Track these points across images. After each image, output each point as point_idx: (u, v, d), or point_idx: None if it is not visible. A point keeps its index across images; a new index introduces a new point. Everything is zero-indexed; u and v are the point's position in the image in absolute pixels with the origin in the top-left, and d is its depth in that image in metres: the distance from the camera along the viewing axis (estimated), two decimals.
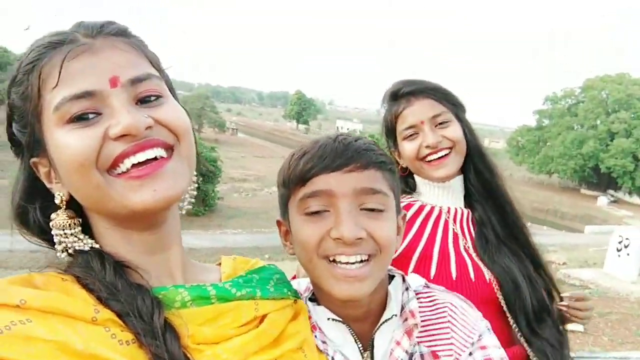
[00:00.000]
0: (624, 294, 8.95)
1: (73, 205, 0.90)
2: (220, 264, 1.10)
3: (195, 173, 1.00)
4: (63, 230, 0.88)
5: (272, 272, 1.12)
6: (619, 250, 10.22)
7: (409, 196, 1.92)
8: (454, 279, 1.69)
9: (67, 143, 0.81)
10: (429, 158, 1.80)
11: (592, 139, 48.71)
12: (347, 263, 1.06)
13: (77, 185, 0.85)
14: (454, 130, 1.80)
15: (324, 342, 1.13)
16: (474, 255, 1.75)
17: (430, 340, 1.16)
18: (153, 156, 0.84)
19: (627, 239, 10.17)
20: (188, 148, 0.90)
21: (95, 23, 0.88)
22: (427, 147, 1.77)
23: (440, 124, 1.80)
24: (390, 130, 1.90)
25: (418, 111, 1.80)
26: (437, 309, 1.20)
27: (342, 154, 1.08)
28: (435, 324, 1.18)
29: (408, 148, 1.83)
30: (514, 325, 1.69)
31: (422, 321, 1.16)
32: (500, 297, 1.69)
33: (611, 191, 50.30)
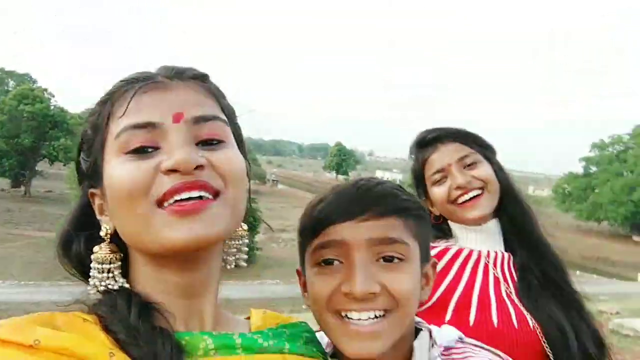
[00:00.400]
0: None
1: (116, 242, 0.89)
2: (249, 317, 1.05)
3: (245, 227, 0.98)
4: (102, 264, 0.88)
5: (303, 330, 1.06)
6: None
7: (445, 241, 1.83)
8: (496, 326, 1.57)
9: (120, 173, 0.82)
10: (460, 200, 1.74)
11: None
12: (359, 319, 0.99)
13: (122, 215, 0.84)
14: (484, 170, 1.76)
15: None
16: (516, 301, 1.65)
17: None
18: (196, 195, 0.82)
19: None
20: (235, 196, 0.87)
21: (176, 66, 0.91)
22: (458, 188, 1.73)
23: (469, 165, 1.76)
24: (419, 179, 1.86)
25: (444, 154, 1.77)
26: None
27: (360, 202, 1.01)
28: None
29: (437, 192, 1.79)
30: None
31: None
32: (546, 345, 1.57)
33: None
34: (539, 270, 1.73)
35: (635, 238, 49.38)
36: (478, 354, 1.13)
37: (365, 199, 1.01)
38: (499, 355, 1.16)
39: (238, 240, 0.99)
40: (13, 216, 35.82)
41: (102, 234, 0.89)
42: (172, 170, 0.80)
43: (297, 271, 1.16)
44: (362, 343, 0.98)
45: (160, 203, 0.81)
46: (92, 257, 0.89)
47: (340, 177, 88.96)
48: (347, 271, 0.99)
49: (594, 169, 53.50)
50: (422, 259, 1.07)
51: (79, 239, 0.92)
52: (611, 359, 1.70)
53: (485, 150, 1.83)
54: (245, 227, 0.99)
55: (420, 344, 1.09)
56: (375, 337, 0.98)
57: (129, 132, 0.82)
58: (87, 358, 0.73)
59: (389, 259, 1.01)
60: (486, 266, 1.73)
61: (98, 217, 0.91)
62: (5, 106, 41.27)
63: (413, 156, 1.90)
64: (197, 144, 0.85)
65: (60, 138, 43.31)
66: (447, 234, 1.86)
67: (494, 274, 1.71)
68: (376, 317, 0.99)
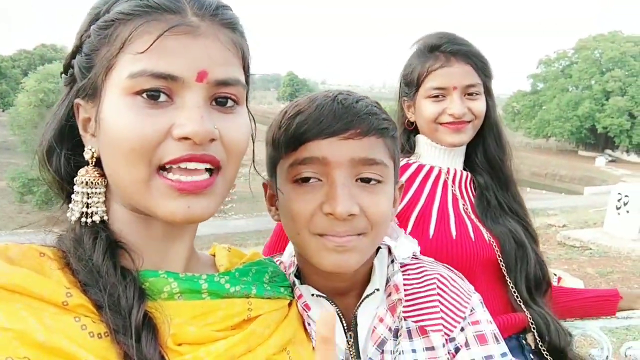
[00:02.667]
0: (624, 252, 8.93)
1: (99, 165, 0.84)
2: (214, 254, 1.03)
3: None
4: (87, 187, 0.82)
5: (267, 266, 1.05)
6: (618, 209, 10.19)
7: (407, 157, 1.85)
8: (454, 238, 1.65)
9: (126, 121, 0.75)
10: (447, 124, 1.74)
11: (587, 99, 48.68)
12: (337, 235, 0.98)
13: (117, 166, 0.78)
14: (481, 104, 1.75)
15: (308, 324, 1.05)
16: (473, 217, 1.73)
17: (418, 315, 1.07)
18: (202, 168, 0.79)
19: (626, 196, 10.14)
20: (233, 170, 0.85)
21: (209, 2, 0.81)
22: (451, 115, 1.70)
23: (470, 94, 1.73)
24: (414, 82, 1.78)
25: (455, 75, 1.71)
26: (425, 281, 1.11)
27: (341, 118, 0.97)
28: (424, 297, 1.09)
29: (430, 109, 1.74)
30: (513, 289, 1.67)
31: (410, 295, 1.09)
32: (500, 259, 1.67)
33: (609, 151, 50.37)
34: (500, 196, 1.80)
35: (581, 152, 51.80)
36: (433, 267, 1.16)
37: (347, 115, 0.98)
38: (451, 270, 1.18)
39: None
40: None
41: (86, 156, 0.83)
42: (184, 138, 0.76)
43: (264, 185, 1.12)
44: (339, 255, 0.98)
45: (161, 167, 0.77)
46: (77, 179, 0.83)
47: None
48: (327, 190, 0.97)
49: (541, 85, 54.82)
50: (395, 179, 1.08)
51: (59, 153, 0.85)
52: (550, 284, 1.80)
53: (489, 81, 1.80)
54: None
55: (380, 261, 1.11)
56: (352, 251, 0.98)
57: (146, 79, 0.75)
58: (41, 297, 0.70)
59: (366, 180, 0.99)
60: (445, 183, 1.78)
61: (81, 132, 0.84)
62: None
63: (417, 54, 1.79)
64: (211, 102, 0.80)
65: None
66: (410, 146, 1.89)
67: (452, 191, 1.78)
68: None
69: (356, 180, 0.99)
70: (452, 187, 1.78)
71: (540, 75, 55.09)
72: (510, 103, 56.44)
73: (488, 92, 1.79)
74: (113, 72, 0.77)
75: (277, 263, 1.14)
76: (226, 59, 0.81)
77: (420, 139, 1.85)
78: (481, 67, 1.74)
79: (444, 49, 1.72)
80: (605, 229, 10.36)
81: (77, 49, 0.83)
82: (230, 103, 0.82)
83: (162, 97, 0.76)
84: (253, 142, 0.93)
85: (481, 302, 1.14)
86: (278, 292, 1.00)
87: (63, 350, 0.67)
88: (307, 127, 0.98)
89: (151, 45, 0.74)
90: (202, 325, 0.82)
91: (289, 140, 1.00)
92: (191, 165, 0.78)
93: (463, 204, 1.76)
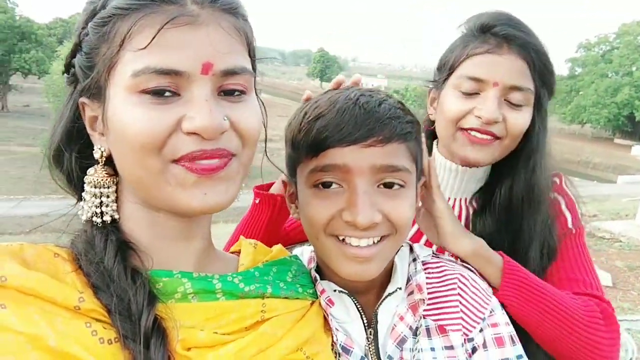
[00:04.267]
0: None
1: (110, 164, 0.83)
2: (240, 251, 1.02)
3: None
4: (97, 187, 0.82)
5: (291, 265, 1.03)
6: None
7: None
8: None
9: (134, 117, 0.73)
10: (472, 131, 1.34)
11: (626, 86, 47.07)
12: (357, 246, 0.98)
13: (131, 162, 0.77)
14: (522, 119, 1.33)
15: (331, 320, 1.05)
16: None
17: (438, 314, 1.07)
18: (215, 166, 0.77)
19: None
20: (249, 156, 0.84)
21: None
22: (478, 117, 1.32)
23: (513, 103, 1.33)
24: (447, 66, 1.41)
25: (501, 67, 1.30)
26: (446, 281, 1.10)
27: (363, 124, 0.95)
28: (444, 296, 1.08)
29: (454, 105, 1.36)
30: None
31: (430, 293, 1.07)
32: None
33: None
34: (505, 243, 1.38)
35: (617, 140, 50.36)
36: (453, 266, 1.15)
37: (370, 121, 0.95)
38: (472, 270, 1.17)
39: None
40: None
41: (96, 155, 0.82)
42: (194, 133, 0.74)
43: (284, 182, 1.14)
44: (358, 266, 0.98)
45: (174, 161, 0.76)
46: (86, 179, 0.83)
47: (325, 84, 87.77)
48: (348, 198, 0.97)
49: (579, 70, 53.21)
50: (417, 180, 1.07)
51: (70, 154, 0.84)
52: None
53: (545, 92, 1.37)
54: None
55: (401, 260, 1.11)
56: (372, 260, 0.98)
57: (150, 76, 0.72)
58: (54, 301, 0.70)
59: (389, 185, 0.98)
60: None
61: (89, 131, 0.83)
62: None
63: (463, 33, 1.42)
64: (218, 93, 0.78)
65: (30, 50, 41.64)
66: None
67: None
68: (374, 243, 0.99)
69: (378, 186, 0.98)
70: None
71: (579, 59, 53.46)
72: None
73: (539, 106, 1.36)
74: (116, 70, 0.75)
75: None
76: (230, 47, 0.78)
77: (436, 150, 1.50)
78: (540, 70, 1.33)
79: (498, 30, 1.32)
80: (637, 221, 10.08)
81: (77, 48, 0.81)
82: (237, 93, 0.80)
83: (168, 94, 0.74)
84: (265, 128, 0.92)
85: (500, 304, 1.13)
86: (296, 292, 0.98)
87: (73, 356, 0.67)
88: (328, 134, 0.96)
89: (152, 40, 0.72)
90: (214, 328, 0.81)
91: (310, 145, 0.98)
92: (204, 163, 0.76)
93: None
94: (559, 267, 1.38)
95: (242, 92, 0.80)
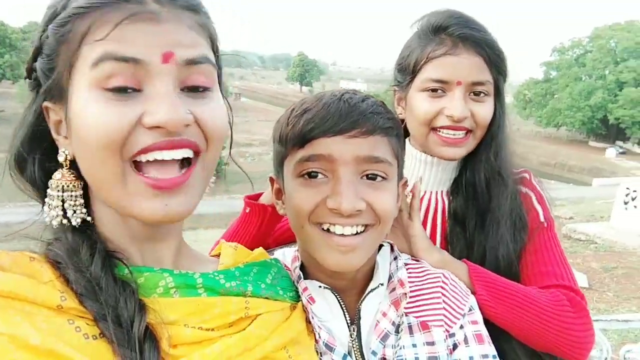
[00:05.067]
0: (630, 247, 8.78)
1: (75, 167, 0.81)
2: (219, 254, 1.02)
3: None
4: (62, 192, 0.80)
5: (271, 267, 1.05)
6: (626, 203, 10.08)
7: None
8: None
9: (95, 114, 0.72)
10: (443, 132, 1.41)
11: (600, 89, 48.13)
12: (342, 234, 1.01)
13: (91, 163, 0.76)
14: (487, 110, 1.41)
15: (312, 318, 1.07)
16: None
17: (420, 311, 1.10)
18: (180, 157, 0.76)
19: (634, 191, 10.02)
20: (214, 155, 0.82)
21: None
22: (449, 116, 1.38)
23: (476, 94, 1.40)
24: (409, 69, 1.45)
25: (460, 66, 1.37)
26: (428, 279, 1.16)
27: (347, 117, 1.00)
28: (426, 294, 1.13)
29: (423, 107, 1.41)
30: None
31: (412, 291, 1.11)
32: None
33: (620, 142, 49.91)
34: (478, 224, 1.45)
35: (592, 143, 51.34)
36: (434, 269, 1.21)
37: (353, 114, 1.01)
38: (449, 273, 1.22)
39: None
40: None
41: (60, 159, 0.80)
42: (157, 127, 0.73)
43: (270, 178, 1.17)
44: (342, 255, 1.01)
45: (135, 161, 0.74)
46: (50, 183, 0.80)
47: (305, 88, 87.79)
48: (333, 186, 1.00)
49: (554, 74, 54.20)
50: (399, 177, 1.12)
51: (32, 159, 0.83)
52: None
53: (502, 79, 1.45)
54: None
55: (382, 257, 1.15)
56: (355, 250, 1.02)
57: (110, 64, 0.71)
58: (35, 301, 0.70)
59: (372, 177, 1.03)
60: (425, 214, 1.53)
61: (54, 135, 0.81)
62: None
63: (418, 35, 1.46)
64: (182, 89, 0.76)
65: (4, 54, 40.77)
66: None
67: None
68: (357, 232, 1.02)
69: (362, 177, 1.02)
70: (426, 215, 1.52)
71: (554, 63, 54.42)
72: (522, 91, 55.87)
73: (498, 95, 1.45)
74: (75, 68, 0.74)
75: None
76: (192, 40, 0.77)
77: (407, 146, 1.52)
78: (495, 62, 1.40)
79: (452, 31, 1.38)
80: (611, 223, 10.28)
81: (38, 51, 0.79)
82: (201, 89, 0.78)
83: (129, 91, 0.73)
84: (231, 128, 0.92)
85: (476, 304, 1.19)
86: (276, 293, 0.99)
87: (58, 353, 0.67)
88: (314, 125, 1.01)
89: (110, 32, 0.71)
90: (199, 323, 0.81)
91: (297, 137, 1.02)
92: (167, 155, 0.74)
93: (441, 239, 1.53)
94: (532, 260, 1.42)
95: (205, 89, 0.79)
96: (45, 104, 0.80)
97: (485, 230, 1.43)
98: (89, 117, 0.72)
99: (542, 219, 1.47)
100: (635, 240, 9.05)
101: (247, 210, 1.45)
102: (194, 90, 0.77)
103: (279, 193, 1.14)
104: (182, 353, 0.78)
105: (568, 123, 49.44)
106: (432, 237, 1.49)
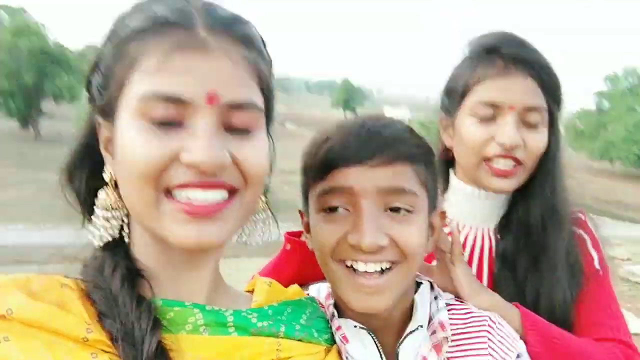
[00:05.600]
0: None
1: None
2: (252, 289, 0.97)
3: (264, 199, 0.91)
4: (107, 210, 0.81)
5: (307, 307, 0.99)
6: None
7: None
8: None
9: (136, 143, 0.72)
10: (494, 162, 1.31)
11: None
12: (365, 271, 0.96)
13: (128, 187, 0.76)
14: (541, 140, 1.31)
15: (346, 358, 1.00)
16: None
17: (463, 357, 1.03)
18: (212, 198, 0.74)
19: None
20: (253, 195, 0.81)
21: (222, 15, 0.77)
22: (501, 144, 1.28)
23: (530, 124, 1.30)
24: (458, 92, 1.37)
25: (514, 90, 1.27)
26: (473, 322, 1.08)
27: (367, 145, 0.95)
28: (470, 338, 1.05)
29: (474, 133, 1.32)
30: None
31: (455, 334, 1.05)
32: None
33: None
34: (529, 266, 1.36)
35: None
36: (479, 310, 1.12)
37: (374, 142, 0.96)
38: (496, 314, 1.14)
39: (261, 214, 0.92)
40: (25, 159, 35.61)
41: (106, 178, 0.82)
42: (193, 166, 0.73)
43: (300, 212, 1.12)
44: (368, 297, 0.97)
45: (168, 191, 0.75)
46: (97, 202, 0.82)
47: (349, 114, 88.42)
48: (354, 221, 0.96)
49: (607, 104, 52.49)
50: (429, 208, 1.04)
51: (80, 174, 0.84)
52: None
53: (557, 107, 1.35)
54: (264, 199, 0.92)
55: (421, 297, 1.08)
56: (381, 292, 0.97)
57: (154, 101, 0.72)
58: (62, 333, 0.71)
59: (396, 210, 0.97)
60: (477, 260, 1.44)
61: (103, 152, 0.83)
62: (3, 43, 40.22)
63: (468, 57, 1.39)
64: (226, 129, 0.76)
65: (63, 76, 42.73)
66: (445, 185, 1.50)
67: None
68: (382, 270, 0.97)
69: (385, 210, 0.96)
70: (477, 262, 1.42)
71: (606, 92, 52.74)
72: (573, 121, 54.27)
73: (552, 122, 1.34)
74: (125, 92, 0.75)
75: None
76: (239, 79, 0.76)
77: (452, 179, 1.45)
78: (549, 86, 1.30)
79: (504, 52, 1.30)
80: None
81: (95, 67, 0.80)
82: (246, 132, 0.78)
83: (173, 124, 0.73)
84: (270, 167, 0.89)
85: (525, 350, 1.10)
86: (311, 335, 0.94)
87: None
88: (334, 155, 0.96)
89: (160, 63, 0.72)
90: None
91: (317, 168, 0.99)
92: (201, 196, 0.74)
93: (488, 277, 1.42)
94: (587, 309, 1.34)
95: (249, 131, 0.78)
96: (98, 119, 0.81)
97: (539, 273, 1.33)
98: (130, 145, 0.73)
99: (597, 265, 1.38)
100: None
101: (288, 247, 1.33)
102: (236, 131, 0.76)
103: (307, 226, 1.09)
104: None
105: (623, 157, 47.51)
106: (479, 278, 1.38)
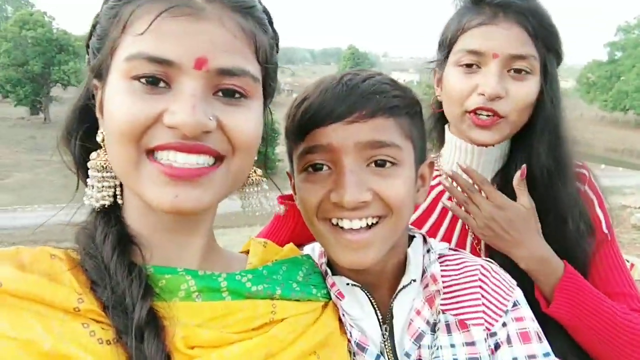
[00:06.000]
0: None
1: None
2: (248, 250, 0.98)
3: (259, 172, 0.93)
4: (99, 172, 0.80)
5: (302, 264, 1.00)
6: None
7: (432, 155, 1.48)
8: None
9: (121, 102, 0.72)
10: (477, 112, 1.27)
11: None
12: (350, 228, 0.94)
13: (112, 147, 0.76)
14: (526, 89, 1.25)
15: (343, 315, 1.01)
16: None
17: (457, 308, 1.01)
18: (195, 163, 0.73)
19: None
20: (240, 164, 0.79)
21: None
22: (481, 94, 1.24)
23: (517, 71, 1.25)
24: (445, 44, 1.34)
25: (498, 37, 1.23)
26: (466, 272, 1.05)
27: (344, 100, 0.92)
28: (464, 289, 1.02)
29: (457, 83, 1.29)
30: None
31: (449, 287, 1.03)
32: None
33: None
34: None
35: None
36: (473, 258, 1.10)
37: (351, 97, 0.93)
38: (492, 262, 1.10)
39: (255, 187, 0.92)
40: (37, 143, 36.17)
41: (98, 139, 0.81)
42: (174, 127, 0.72)
43: (287, 173, 1.10)
44: (354, 253, 0.95)
45: (151, 152, 0.74)
46: (90, 164, 0.81)
47: None
48: (336, 178, 0.94)
49: (619, 54, 51.34)
50: (416, 160, 1.01)
51: (75, 135, 0.83)
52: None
53: (552, 57, 1.29)
54: (259, 172, 0.93)
55: (414, 251, 1.06)
56: (368, 246, 0.95)
57: (141, 62, 0.71)
58: (52, 304, 0.69)
59: (380, 163, 0.94)
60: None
61: (97, 115, 0.82)
62: (8, 33, 40.60)
63: (459, 5, 1.36)
64: (216, 92, 0.75)
65: (68, 62, 42.90)
66: (440, 141, 1.48)
67: (464, 224, 1.40)
68: (368, 225, 0.95)
69: (368, 165, 0.94)
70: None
71: (619, 43, 51.54)
72: (585, 74, 53.29)
73: (545, 73, 1.27)
74: (116, 54, 0.74)
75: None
76: (232, 47, 0.74)
77: (446, 133, 1.41)
78: (541, 34, 1.24)
79: (492, 0, 1.25)
80: None
81: (92, 30, 0.80)
82: (237, 95, 0.76)
83: (161, 84, 0.72)
84: (265, 139, 0.90)
85: (523, 297, 1.06)
86: (309, 293, 0.95)
87: (70, 358, 0.66)
88: (311, 114, 0.94)
89: (148, 27, 0.70)
90: (220, 327, 0.78)
91: (296, 129, 0.97)
92: (181, 159, 0.72)
93: (473, 240, 1.39)
94: (601, 277, 1.30)
95: (242, 96, 0.77)
96: (94, 82, 0.81)
97: (548, 228, 1.27)
98: (117, 106, 0.73)
99: (604, 229, 1.33)
100: None
101: (281, 210, 1.39)
102: (229, 95, 0.75)
103: (295, 188, 1.08)
104: (198, 354, 0.75)
105: (636, 106, 46.71)
106: (464, 238, 1.39)
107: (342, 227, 0.95)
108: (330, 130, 0.92)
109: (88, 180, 0.82)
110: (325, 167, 0.96)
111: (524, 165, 1.27)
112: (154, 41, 0.71)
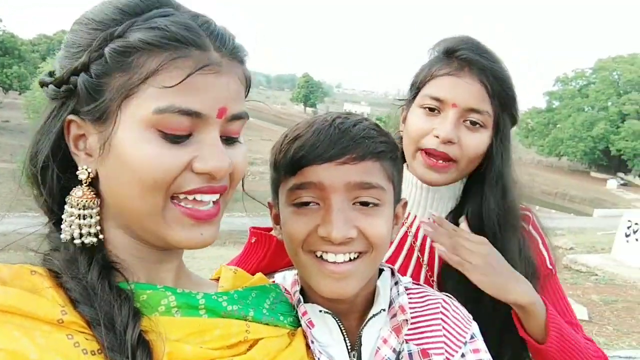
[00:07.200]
0: (631, 281, 8.65)
1: (92, 185, 0.82)
2: (219, 278, 1.02)
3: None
4: (81, 209, 0.80)
5: (270, 292, 1.04)
6: (627, 236, 10.03)
7: None
8: None
9: (146, 154, 0.75)
10: (429, 153, 1.38)
11: (602, 120, 48.26)
12: (334, 262, 1.00)
13: (131, 193, 0.77)
14: (476, 141, 1.36)
15: (312, 342, 1.04)
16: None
17: (420, 338, 1.08)
18: (214, 199, 0.83)
19: (636, 223, 9.96)
20: (232, 193, 0.89)
21: (229, 39, 0.83)
22: (436, 136, 1.35)
23: (472, 122, 1.36)
24: (417, 86, 1.46)
25: (460, 89, 1.34)
26: (429, 305, 1.12)
27: (337, 143, 0.98)
28: (427, 320, 1.10)
29: (417, 123, 1.40)
30: None
31: (413, 317, 1.09)
32: None
33: (621, 174, 49.88)
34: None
35: (593, 174, 51.31)
36: (434, 292, 1.18)
37: (343, 140, 0.99)
38: (451, 297, 1.18)
39: None
40: None
41: (81, 176, 0.81)
42: (205, 172, 0.79)
43: (269, 204, 1.15)
44: (336, 283, 1.00)
45: (174, 196, 0.79)
46: (68, 199, 0.81)
47: (309, 109, 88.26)
48: (324, 214, 0.99)
49: (556, 103, 54.45)
50: (395, 200, 1.09)
51: (52, 171, 0.82)
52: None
53: (506, 116, 1.40)
54: None
55: (383, 283, 1.13)
56: (349, 278, 1.01)
57: (174, 115, 0.75)
58: (36, 316, 0.70)
59: (364, 203, 1.01)
60: (412, 247, 1.50)
61: (73, 150, 0.81)
62: None
63: (433, 55, 1.47)
64: (221, 136, 0.82)
65: (12, 65, 41.16)
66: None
67: (418, 257, 1.49)
68: (351, 259, 1.01)
69: (354, 204, 1.01)
70: (419, 253, 1.48)
71: (557, 93, 54.71)
72: (524, 119, 56.02)
73: (497, 130, 1.38)
74: (132, 102, 0.75)
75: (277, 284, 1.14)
76: (240, 94, 0.84)
77: (404, 170, 1.44)
78: (498, 95, 1.35)
79: (460, 54, 1.37)
80: (613, 255, 10.22)
81: (84, 67, 0.77)
82: (235, 138, 0.86)
83: (184, 134, 0.78)
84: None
85: (479, 330, 1.15)
86: (277, 319, 0.99)
87: None
88: (304, 153, 1.00)
89: (180, 82, 0.75)
90: (199, 343, 0.82)
91: (288, 164, 1.02)
92: (206, 198, 0.81)
93: (427, 273, 1.48)
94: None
95: (237, 138, 0.86)
96: (71, 117, 0.80)
97: None
98: (141, 155, 0.75)
99: (548, 265, 1.45)
100: (636, 274, 8.96)
101: (253, 240, 1.43)
102: (230, 140, 0.84)
103: (277, 218, 1.12)
104: None
105: (570, 153, 49.49)
106: (417, 267, 1.46)
107: (326, 260, 1.01)
108: (322, 170, 0.99)
109: (64, 216, 0.81)
110: (313, 203, 1.01)
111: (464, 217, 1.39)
112: (184, 95, 0.75)
